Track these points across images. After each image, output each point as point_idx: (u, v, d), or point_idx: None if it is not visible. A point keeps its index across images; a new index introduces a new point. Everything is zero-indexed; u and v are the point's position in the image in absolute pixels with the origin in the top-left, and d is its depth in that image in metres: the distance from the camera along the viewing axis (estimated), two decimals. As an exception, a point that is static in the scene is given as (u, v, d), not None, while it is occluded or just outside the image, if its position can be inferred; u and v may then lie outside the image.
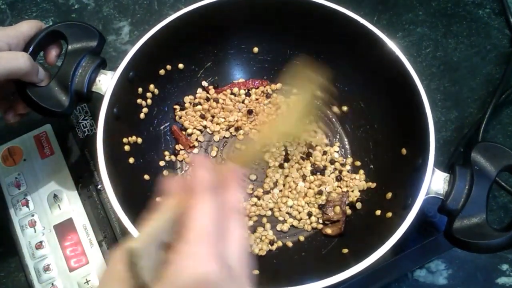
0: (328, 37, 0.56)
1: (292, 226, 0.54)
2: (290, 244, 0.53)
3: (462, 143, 0.64)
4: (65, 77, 0.49)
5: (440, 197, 0.44)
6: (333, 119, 0.60)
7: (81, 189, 0.54)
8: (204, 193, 0.30)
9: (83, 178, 0.55)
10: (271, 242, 0.53)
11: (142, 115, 0.55)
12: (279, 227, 0.54)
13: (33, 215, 0.53)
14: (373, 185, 0.54)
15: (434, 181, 0.45)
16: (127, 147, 0.52)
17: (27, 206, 0.53)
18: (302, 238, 0.53)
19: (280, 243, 0.53)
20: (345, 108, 0.60)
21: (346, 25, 0.53)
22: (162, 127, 0.58)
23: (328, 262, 0.49)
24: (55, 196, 0.54)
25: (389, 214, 0.48)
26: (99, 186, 0.54)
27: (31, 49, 0.48)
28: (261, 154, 0.56)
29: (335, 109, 0.60)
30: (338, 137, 0.59)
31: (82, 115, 0.58)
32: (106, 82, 0.50)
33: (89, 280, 0.50)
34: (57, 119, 0.51)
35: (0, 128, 0.58)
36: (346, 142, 0.59)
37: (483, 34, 0.73)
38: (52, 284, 0.50)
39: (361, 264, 0.41)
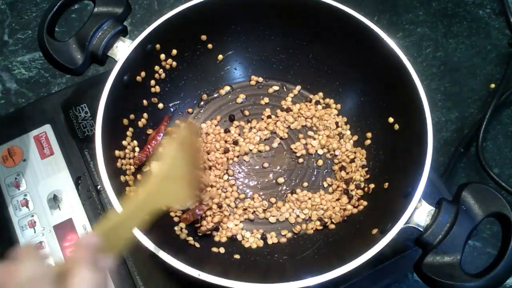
0: (327, 36, 0.57)
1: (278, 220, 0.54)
2: (283, 240, 0.53)
3: (463, 143, 0.64)
4: (84, 37, 0.51)
5: (420, 228, 0.44)
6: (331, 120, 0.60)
7: (81, 189, 0.54)
8: None
9: (83, 178, 0.55)
10: (263, 237, 0.53)
11: (152, 89, 0.56)
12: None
13: (32, 216, 0.53)
14: (364, 203, 0.54)
15: (418, 212, 0.44)
16: (125, 143, 0.52)
17: (27, 206, 0.53)
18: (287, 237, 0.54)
19: (274, 240, 0.53)
20: (339, 106, 0.60)
21: (346, 24, 0.53)
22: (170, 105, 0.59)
23: (306, 264, 0.50)
24: (55, 196, 0.54)
25: (375, 231, 0.47)
26: (99, 186, 0.54)
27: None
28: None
29: (333, 107, 0.60)
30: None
31: (82, 115, 0.58)
32: (123, 50, 0.51)
33: (89, 281, 0.50)
34: (72, 74, 0.53)
35: (0, 128, 0.58)
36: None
37: (483, 34, 0.73)
38: (52, 284, 0.50)
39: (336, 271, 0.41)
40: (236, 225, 0.53)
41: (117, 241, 0.33)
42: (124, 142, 0.52)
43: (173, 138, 0.43)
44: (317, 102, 0.60)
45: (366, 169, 0.55)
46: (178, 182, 0.42)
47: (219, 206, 0.54)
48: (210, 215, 0.53)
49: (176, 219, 0.52)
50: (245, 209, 0.55)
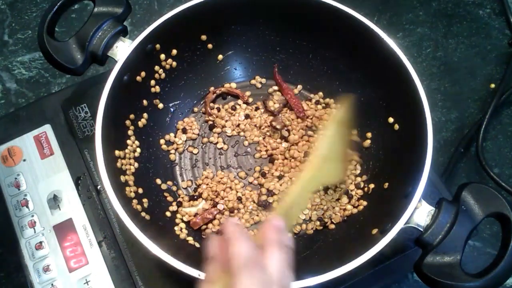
0: (327, 36, 0.56)
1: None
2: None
3: (463, 143, 0.64)
4: (84, 37, 0.51)
5: (420, 228, 0.44)
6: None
7: (81, 189, 0.54)
8: (244, 273, 0.29)
9: (83, 178, 0.55)
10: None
11: (152, 89, 0.56)
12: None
13: (32, 216, 0.53)
14: (364, 203, 0.54)
15: (418, 212, 0.44)
16: (127, 142, 0.52)
17: (27, 207, 0.53)
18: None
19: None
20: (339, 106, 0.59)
21: (346, 24, 0.53)
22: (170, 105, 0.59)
23: (306, 264, 0.49)
24: (55, 196, 0.54)
25: (375, 231, 0.47)
26: (99, 186, 0.54)
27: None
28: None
29: (333, 107, 0.60)
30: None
31: (82, 115, 0.58)
32: (123, 50, 0.51)
33: (89, 281, 0.50)
34: (72, 74, 0.53)
35: (0, 128, 0.58)
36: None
37: (483, 34, 0.73)
38: (52, 284, 0.50)
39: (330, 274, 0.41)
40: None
41: (290, 220, 0.37)
42: (124, 142, 0.52)
43: (330, 117, 0.46)
44: (317, 102, 0.60)
45: (360, 178, 0.55)
46: (335, 160, 0.46)
47: (231, 211, 0.53)
48: (218, 219, 0.53)
49: (178, 221, 0.52)
50: (250, 213, 0.54)
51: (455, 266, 0.42)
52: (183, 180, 0.57)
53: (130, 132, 0.53)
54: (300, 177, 0.42)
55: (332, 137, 0.46)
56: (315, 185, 0.43)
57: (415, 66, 0.49)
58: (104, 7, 0.52)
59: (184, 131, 0.59)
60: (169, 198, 0.54)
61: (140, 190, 0.51)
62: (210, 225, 0.52)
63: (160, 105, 0.58)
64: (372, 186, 0.53)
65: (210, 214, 0.52)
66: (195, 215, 0.53)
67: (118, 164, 0.50)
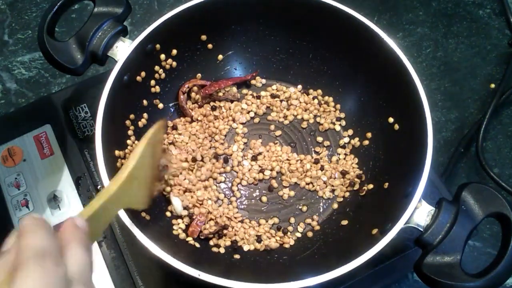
0: (327, 36, 0.57)
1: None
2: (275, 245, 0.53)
3: (463, 143, 0.64)
4: (84, 37, 0.51)
5: (420, 228, 0.44)
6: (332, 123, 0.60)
7: (81, 189, 0.54)
8: (30, 265, 0.24)
9: (83, 178, 0.55)
10: (259, 240, 0.52)
11: (152, 89, 0.56)
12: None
13: (33, 215, 0.53)
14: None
15: (418, 212, 0.44)
16: (127, 143, 0.52)
17: (27, 207, 0.53)
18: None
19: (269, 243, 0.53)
20: (338, 106, 0.60)
21: (346, 24, 0.53)
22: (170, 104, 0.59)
23: (306, 264, 0.50)
24: (55, 196, 0.54)
25: (375, 231, 0.47)
26: (99, 186, 0.54)
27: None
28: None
29: (331, 105, 0.60)
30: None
31: (82, 115, 0.58)
32: (123, 49, 0.51)
33: (89, 281, 0.50)
34: (72, 74, 0.53)
35: (0, 128, 0.58)
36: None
37: (483, 34, 0.73)
38: (52, 284, 0.50)
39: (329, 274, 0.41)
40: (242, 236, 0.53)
41: (95, 227, 0.34)
42: (124, 142, 0.52)
43: (144, 136, 0.43)
44: (314, 98, 0.61)
45: (360, 179, 0.55)
46: (142, 182, 0.42)
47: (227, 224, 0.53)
48: (213, 219, 0.53)
49: (179, 230, 0.52)
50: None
51: (455, 266, 0.42)
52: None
53: (130, 132, 0.53)
54: (109, 188, 0.37)
55: (142, 157, 0.41)
56: (120, 202, 0.39)
57: (415, 66, 0.49)
58: (104, 7, 0.52)
59: None
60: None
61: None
62: (206, 225, 0.52)
63: (160, 105, 0.58)
64: (371, 186, 0.53)
65: (202, 216, 0.52)
66: (188, 225, 0.52)
67: (118, 164, 0.50)
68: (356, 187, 0.54)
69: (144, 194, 0.44)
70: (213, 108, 0.59)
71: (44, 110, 0.58)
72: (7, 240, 0.28)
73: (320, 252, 0.51)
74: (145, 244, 0.42)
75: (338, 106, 0.60)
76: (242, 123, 0.59)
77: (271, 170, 0.56)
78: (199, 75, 0.60)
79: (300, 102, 0.60)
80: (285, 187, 0.56)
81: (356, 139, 0.57)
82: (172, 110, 0.59)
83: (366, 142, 0.57)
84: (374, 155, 0.56)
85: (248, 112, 0.60)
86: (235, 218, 0.53)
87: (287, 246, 0.52)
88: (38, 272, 0.24)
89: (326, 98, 0.60)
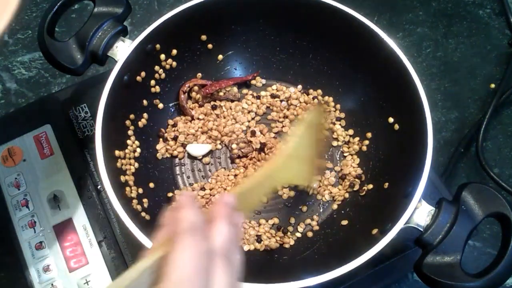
0: (327, 36, 0.57)
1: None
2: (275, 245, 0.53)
3: (463, 143, 0.64)
4: (84, 37, 0.51)
5: (420, 228, 0.44)
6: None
7: (81, 189, 0.54)
8: (186, 236, 0.28)
9: (83, 178, 0.55)
10: (259, 240, 0.52)
11: (152, 89, 0.56)
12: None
13: (33, 216, 0.53)
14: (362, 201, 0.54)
15: (418, 212, 0.44)
16: (127, 143, 0.52)
17: (27, 207, 0.53)
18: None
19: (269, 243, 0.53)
20: (338, 105, 0.60)
21: (346, 24, 0.53)
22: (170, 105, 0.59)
23: (306, 264, 0.50)
24: (55, 196, 0.54)
25: (375, 231, 0.47)
26: (99, 186, 0.54)
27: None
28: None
29: (331, 105, 0.60)
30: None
31: (82, 115, 0.58)
32: (123, 50, 0.51)
33: (89, 281, 0.50)
34: (72, 74, 0.53)
35: (0, 128, 0.58)
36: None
37: (483, 34, 0.73)
38: (52, 284, 0.50)
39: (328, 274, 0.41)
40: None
41: (246, 204, 0.38)
42: (124, 142, 0.52)
43: (301, 119, 0.45)
44: (314, 97, 0.60)
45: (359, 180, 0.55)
46: (301, 161, 0.45)
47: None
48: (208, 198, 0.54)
49: None
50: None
51: (455, 266, 0.42)
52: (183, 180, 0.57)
53: (130, 132, 0.53)
54: (263, 168, 0.42)
55: (301, 139, 0.45)
56: (277, 180, 0.44)
57: (415, 66, 0.49)
58: (104, 7, 0.52)
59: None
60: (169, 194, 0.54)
61: (140, 190, 0.51)
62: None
63: (160, 105, 0.58)
64: (371, 186, 0.53)
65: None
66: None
67: (118, 164, 0.50)
68: (356, 187, 0.54)
69: (306, 171, 0.47)
70: (214, 107, 0.59)
71: (44, 110, 0.58)
72: (164, 213, 0.32)
73: (320, 252, 0.51)
74: (145, 244, 0.42)
75: (338, 106, 0.60)
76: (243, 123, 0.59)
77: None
78: (199, 74, 0.60)
79: (300, 102, 0.60)
80: (285, 187, 0.56)
81: (356, 139, 0.58)
82: (172, 110, 0.59)
83: (366, 142, 0.57)
84: (374, 155, 0.56)
85: (249, 112, 0.60)
86: None
87: (287, 246, 0.52)
88: (189, 243, 0.28)
89: (326, 98, 0.60)
